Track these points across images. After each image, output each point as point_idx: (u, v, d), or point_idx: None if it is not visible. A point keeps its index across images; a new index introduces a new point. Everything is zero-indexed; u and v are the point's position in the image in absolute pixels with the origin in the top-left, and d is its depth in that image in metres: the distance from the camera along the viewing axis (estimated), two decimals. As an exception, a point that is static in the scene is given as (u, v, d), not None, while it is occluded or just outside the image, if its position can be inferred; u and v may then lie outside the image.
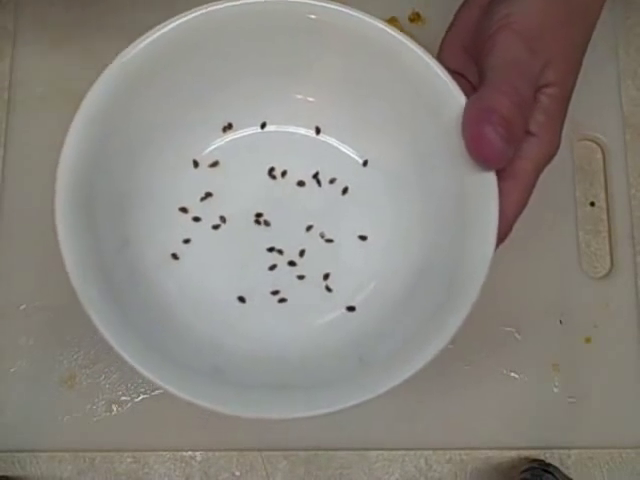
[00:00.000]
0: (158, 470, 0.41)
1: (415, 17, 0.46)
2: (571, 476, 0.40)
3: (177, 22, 0.31)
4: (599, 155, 0.45)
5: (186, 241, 0.35)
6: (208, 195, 0.36)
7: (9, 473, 0.41)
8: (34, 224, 0.42)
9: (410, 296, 0.33)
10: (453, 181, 0.31)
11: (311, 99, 0.36)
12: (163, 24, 0.31)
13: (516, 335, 0.42)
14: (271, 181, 0.36)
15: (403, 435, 0.41)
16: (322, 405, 0.28)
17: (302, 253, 0.35)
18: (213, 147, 0.36)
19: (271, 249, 0.35)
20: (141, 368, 0.28)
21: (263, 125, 0.36)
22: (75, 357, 0.41)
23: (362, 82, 0.34)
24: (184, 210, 0.35)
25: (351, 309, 0.35)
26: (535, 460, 0.41)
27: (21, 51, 0.45)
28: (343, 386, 0.29)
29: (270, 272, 0.35)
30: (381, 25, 0.31)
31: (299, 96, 0.36)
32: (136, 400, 0.41)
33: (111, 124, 0.31)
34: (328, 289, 0.35)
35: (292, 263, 0.35)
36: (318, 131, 0.36)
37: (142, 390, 0.41)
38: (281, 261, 0.35)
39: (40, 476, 0.41)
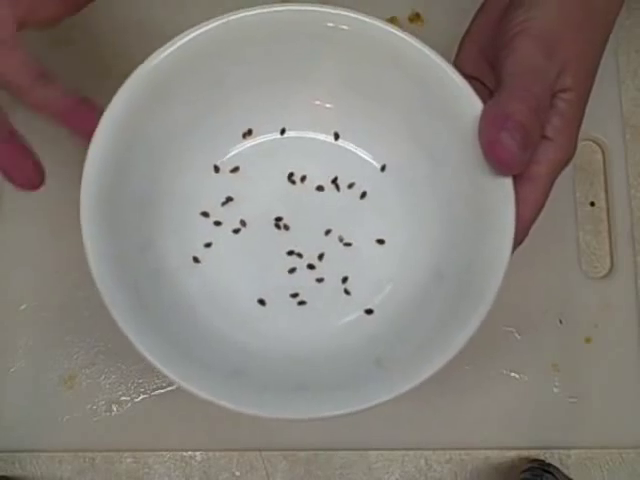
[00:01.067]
0: (158, 470, 0.41)
1: (415, 17, 0.46)
2: (571, 476, 0.40)
3: (198, 31, 0.32)
4: (599, 155, 0.45)
5: (207, 245, 0.36)
6: (229, 200, 0.36)
7: (9, 473, 0.41)
8: (34, 224, 0.42)
9: (427, 299, 0.33)
10: (470, 186, 0.32)
11: (329, 105, 0.36)
12: (184, 33, 0.32)
13: (516, 335, 0.42)
14: (291, 186, 0.37)
15: (403, 435, 0.41)
16: (340, 406, 0.29)
17: (321, 256, 0.36)
18: (234, 153, 0.37)
19: (290, 252, 0.36)
20: (161, 366, 0.29)
21: (283, 131, 0.37)
22: (75, 357, 0.41)
23: (379, 88, 0.34)
24: (205, 214, 0.36)
25: (369, 312, 0.35)
26: (535, 460, 0.41)
27: (21, 51, 0.45)
28: (361, 387, 0.29)
29: (290, 275, 0.36)
30: (397, 32, 0.32)
31: (317, 102, 0.36)
32: (136, 400, 0.41)
33: (135, 129, 0.32)
34: (346, 292, 0.35)
35: (311, 266, 0.36)
36: (337, 137, 0.37)
37: (142, 390, 0.41)
38: (300, 264, 0.36)
39: (40, 476, 0.41)
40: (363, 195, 0.36)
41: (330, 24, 0.32)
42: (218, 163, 0.36)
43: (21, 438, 0.40)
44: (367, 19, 0.32)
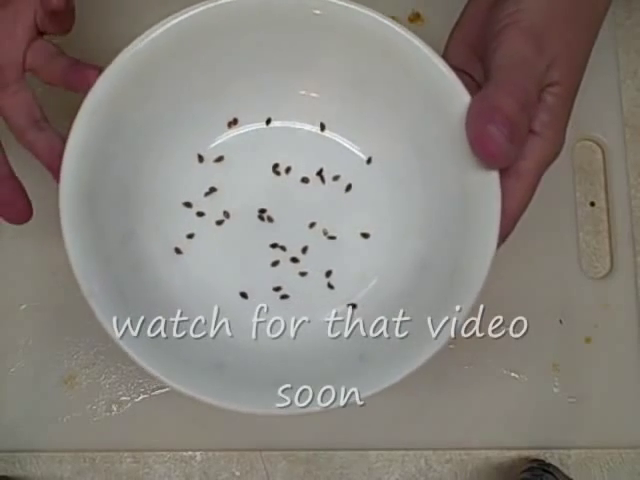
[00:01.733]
0: (158, 470, 0.41)
1: (415, 17, 0.46)
2: (571, 476, 0.40)
3: (183, 16, 0.31)
4: (599, 155, 0.45)
5: (190, 236, 0.35)
6: (212, 190, 0.36)
7: (9, 473, 0.41)
8: (34, 224, 0.42)
9: (411, 294, 0.33)
10: (456, 179, 0.31)
11: (314, 95, 0.36)
12: (169, 18, 0.31)
13: (516, 335, 0.42)
14: (275, 177, 0.36)
15: (403, 435, 0.41)
16: (323, 401, 0.29)
17: (305, 250, 0.35)
18: (218, 142, 0.36)
19: (274, 245, 0.35)
20: (144, 363, 0.28)
21: (268, 121, 0.36)
22: (75, 357, 0.41)
23: (366, 79, 0.34)
24: (188, 205, 0.35)
25: (353, 306, 0.35)
26: (535, 460, 0.41)
27: (21, 51, 0.44)
28: (344, 382, 0.29)
29: (273, 268, 0.35)
30: (386, 21, 0.31)
31: (302, 92, 0.35)
32: (136, 400, 0.41)
33: (117, 117, 0.31)
34: (330, 286, 0.35)
35: (295, 259, 0.35)
36: (323, 127, 0.36)
37: (142, 390, 0.41)
38: (284, 257, 0.35)
39: (40, 476, 0.41)
40: (348, 188, 0.36)
41: (317, 12, 0.31)
42: (202, 152, 0.36)
43: (21, 438, 0.40)
44: (355, 7, 0.31)
